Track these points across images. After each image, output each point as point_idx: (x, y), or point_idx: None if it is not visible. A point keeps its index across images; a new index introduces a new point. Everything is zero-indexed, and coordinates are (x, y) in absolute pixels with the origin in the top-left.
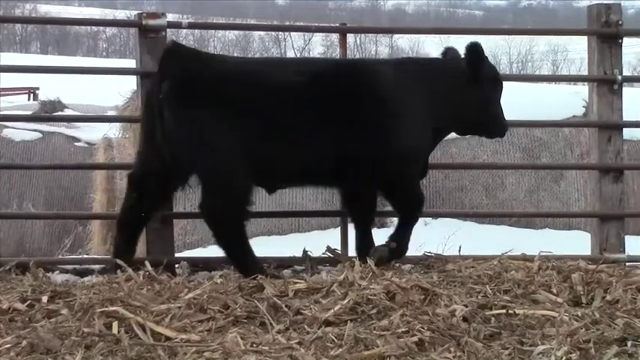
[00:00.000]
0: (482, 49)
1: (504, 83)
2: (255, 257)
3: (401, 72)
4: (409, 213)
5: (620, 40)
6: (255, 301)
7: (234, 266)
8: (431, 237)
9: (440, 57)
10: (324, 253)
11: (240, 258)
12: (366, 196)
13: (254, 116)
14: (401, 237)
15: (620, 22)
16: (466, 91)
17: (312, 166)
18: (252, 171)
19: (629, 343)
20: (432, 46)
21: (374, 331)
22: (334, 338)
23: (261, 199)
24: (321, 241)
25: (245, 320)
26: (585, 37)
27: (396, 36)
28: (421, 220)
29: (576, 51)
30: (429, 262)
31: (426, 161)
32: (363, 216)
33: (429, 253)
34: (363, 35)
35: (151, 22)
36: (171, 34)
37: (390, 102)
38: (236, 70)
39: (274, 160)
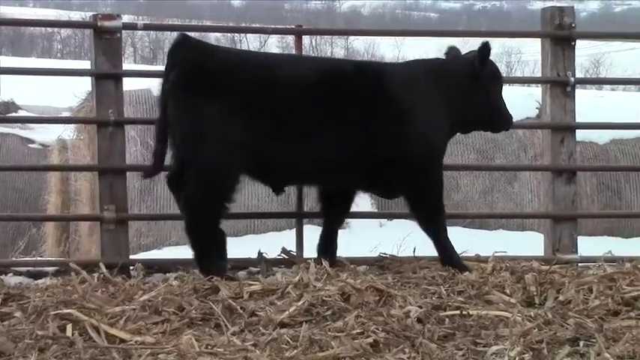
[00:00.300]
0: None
1: None
2: (214, 258)
3: (412, 74)
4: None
5: (573, 43)
6: (210, 303)
7: (197, 262)
8: (386, 238)
9: (444, 57)
10: (279, 255)
11: (204, 256)
12: (341, 197)
13: (259, 111)
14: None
15: (574, 25)
16: (474, 89)
17: (319, 164)
18: (252, 167)
19: (581, 343)
20: (387, 48)
21: (329, 333)
22: (289, 340)
23: None
24: (276, 242)
25: (200, 322)
26: (539, 40)
27: (351, 38)
28: (376, 221)
29: (530, 53)
30: (384, 264)
31: None
32: (339, 216)
33: (384, 254)
34: (318, 37)
35: (107, 23)
36: (126, 36)
37: (402, 104)
38: (244, 63)
39: (279, 158)
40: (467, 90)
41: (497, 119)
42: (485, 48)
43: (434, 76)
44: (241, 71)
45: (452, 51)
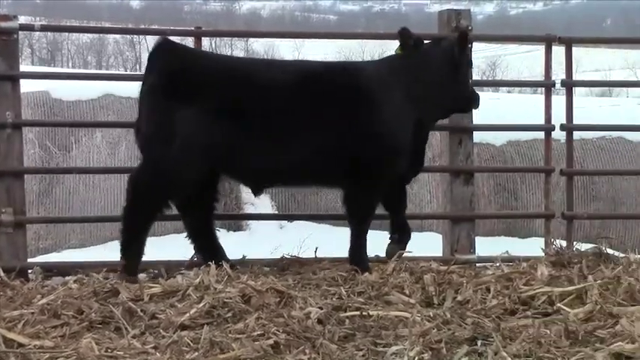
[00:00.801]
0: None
1: None
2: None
3: (393, 70)
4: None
5: (470, 45)
6: (110, 306)
7: (121, 249)
8: (286, 240)
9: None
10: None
11: (129, 244)
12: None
13: (237, 114)
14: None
15: (470, 28)
16: (454, 75)
17: (296, 166)
18: (231, 169)
19: (479, 343)
20: (287, 50)
21: (230, 335)
22: (190, 342)
23: (112, 204)
24: (176, 244)
25: (100, 325)
26: None
27: (251, 40)
28: (276, 223)
29: None
30: (284, 265)
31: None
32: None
33: (285, 255)
34: (218, 39)
35: (3, 24)
36: (23, 37)
37: (382, 101)
38: (222, 66)
39: (257, 159)
40: (449, 77)
41: (474, 99)
42: (464, 35)
43: (415, 69)
44: (220, 75)
45: (408, 35)
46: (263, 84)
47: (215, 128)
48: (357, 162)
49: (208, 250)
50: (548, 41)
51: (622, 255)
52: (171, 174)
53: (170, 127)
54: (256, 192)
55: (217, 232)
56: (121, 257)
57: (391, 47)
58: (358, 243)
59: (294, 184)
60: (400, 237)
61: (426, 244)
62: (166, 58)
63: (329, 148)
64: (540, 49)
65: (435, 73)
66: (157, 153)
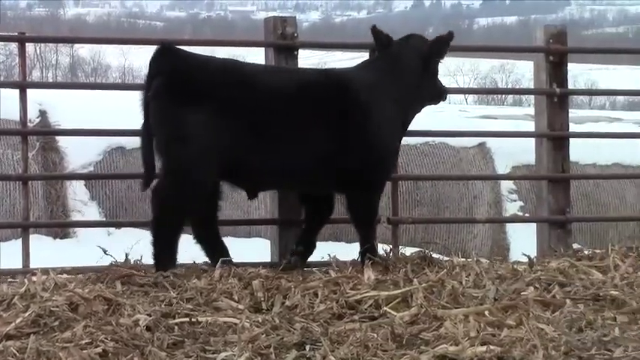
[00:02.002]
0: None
1: None
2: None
3: (376, 75)
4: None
5: (295, 52)
6: None
7: (154, 259)
8: (114, 246)
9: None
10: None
11: (164, 253)
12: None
13: (237, 118)
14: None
15: (296, 35)
16: (427, 71)
17: (293, 170)
18: (229, 173)
19: (307, 347)
20: (113, 57)
21: (57, 344)
22: (16, 352)
23: None
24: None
25: None
26: (263, 48)
27: (77, 46)
28: (104, 229)
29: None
30: (114, 272)
31: None
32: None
33: (115, 262)
34: (43, 45)
35: None
36: None
37: (370, 107)
38: (224, 71)
39: (254, 163)
40: (424, 73)
41: (444, 91)
42: (450, 35)
43: (395, 71)
44: (221, 79)
45: (380, 33)
46: (259, 89)
47: (217, 132)
48: (352, 169)
49: (217, 253)
50: (373, 49)
51: (446, 259)
52: (191, 176)
53: (182, 129)
54: (251, 196)
55: (42, 239)
56: (156, 268)
57: (218, 53)
58: (370, 249)
59: (290, 188)
60: (306, 251)
61: (254, 249)
62: (172, 63)
63: (323, 155)
64: (365, 55)
65: (413, 72)
66: (176, 156)
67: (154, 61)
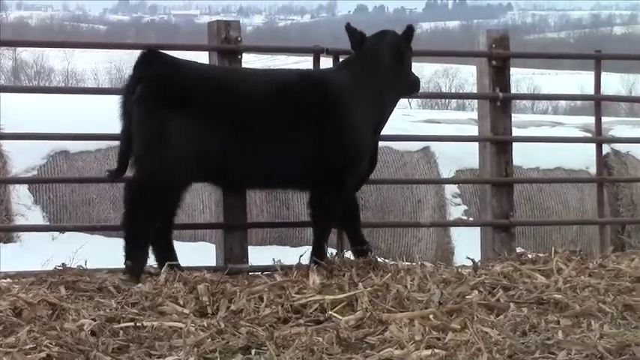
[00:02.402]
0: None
1: None
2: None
3: (353, 75)
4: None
5: (239, 56)
6: None
7: (125, 256)
8: (59, 251)
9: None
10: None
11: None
12: None
13: (219, 121)
14: None
15: (240, 39)
16: (401, 66)
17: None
18: (213, 174)
19: (252, 352)
20: (56, 60)
21: (0, 349)
22: None
23: None
24: None
25: None
26: (207, 52)
27: (19, 49)
28: (48, 234)
29: None
30: (57, 277)
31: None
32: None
33: (59, 266)
34: None
35: None
36: None
37: (347, 107)
38: (205, 75)
39: (237, 165)
40: (399, 69)
41: (418, 83)
42: (411, 29)
43: (371, 69)
44: (203, 83)
45: (354, 30)
46: (240, 92)
47: (200, 134)
48: (326, 168)
49: (166, 257)
50: (316, 53)
51: (391, 262)
52: (169, 178)
53: (164, 133)
54: (236, 196)
55: None
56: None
57: None
58: (320, 244)
59: (271, 188)
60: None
61: (199, 254)
62: (156, 68)
63: (302, 155)
64: (309, 60)
65: (389, 67)
66: (155, 158)
67: (139, 65)
